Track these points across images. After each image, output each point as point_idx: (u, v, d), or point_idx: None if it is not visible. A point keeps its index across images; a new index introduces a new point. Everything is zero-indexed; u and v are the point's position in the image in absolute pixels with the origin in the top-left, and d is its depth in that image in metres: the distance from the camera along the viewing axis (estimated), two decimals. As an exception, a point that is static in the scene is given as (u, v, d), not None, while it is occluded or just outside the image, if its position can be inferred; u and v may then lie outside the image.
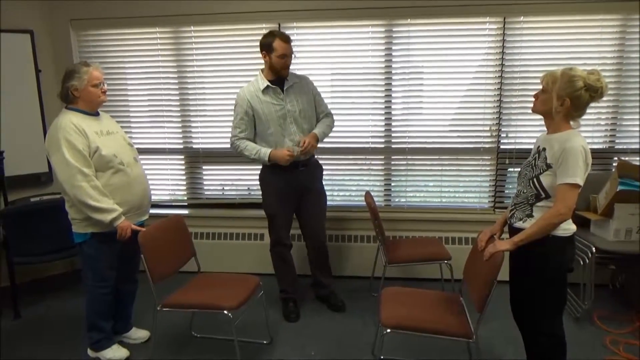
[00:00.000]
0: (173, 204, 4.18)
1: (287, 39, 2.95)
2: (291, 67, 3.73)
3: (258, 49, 3.74)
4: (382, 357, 2.71)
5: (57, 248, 3.57)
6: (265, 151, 3.01)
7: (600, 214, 3.17)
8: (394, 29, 3.67)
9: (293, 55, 3.02)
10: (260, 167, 3.21)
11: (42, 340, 3.02)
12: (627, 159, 3.47)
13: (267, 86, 3.00)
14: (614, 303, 3.39)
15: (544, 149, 2.09)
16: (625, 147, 3.66)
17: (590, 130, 3.63)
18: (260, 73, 3.07)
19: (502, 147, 3.75)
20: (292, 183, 3.11)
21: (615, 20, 3.48)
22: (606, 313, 3.20)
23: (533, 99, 2.17)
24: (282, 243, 3.23)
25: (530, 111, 3.55)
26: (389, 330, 2.23)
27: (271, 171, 3.10)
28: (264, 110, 3.01)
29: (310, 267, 3.43)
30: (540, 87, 2.12)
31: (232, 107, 3.84)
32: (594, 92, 1.97)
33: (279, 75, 3.01)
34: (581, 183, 1.98)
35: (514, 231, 2.21)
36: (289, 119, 3.05)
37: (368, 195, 3.31)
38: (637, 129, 3.61)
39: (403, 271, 3.72)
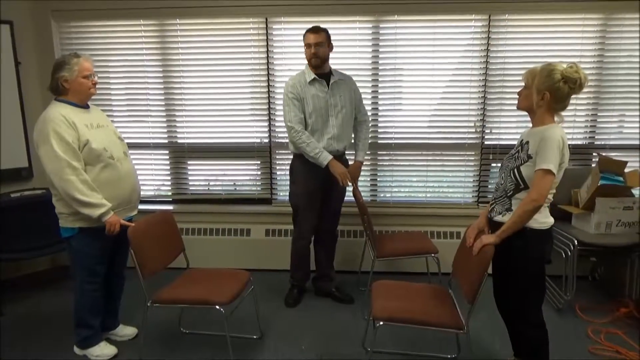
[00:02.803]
0: (158, 199, 4.13)
1: (313, 30, 3.05)
2: (282, 62, 3.78)
3: (244, 44, 3.79)
4: (374, 349, 2.74)
5: (39, 244, 3.51)
6: (326, 156, 3.05)
7: (581, 207, 3.26)
8: (381, 25, 3.70)
9: (328, 48, 3.10)
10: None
11: (26, 338, 2.95)
12: (606, 154, 3.57)
13: (314, 78, 3.08)
14: (593, 294, 3.49)
15: (527, 142, 2.14)
16: (603, 143, 3.76)
17: (570, 127, 3.72)
18: (306, 67, 3.15)
19: (486, 142, 3.81)
20: (321, 178, 3.14)
21: (595, 20, 3.57)
22: (587, 304, 3.29)
23: (517, 96, 2.22)
24: (304, 237, 3.30)
25: (514, 107, 3.65)
26: (381, 323, 2.26)
27: (303, 163, 3.14)
28: (309, 100, 3.08)
29: (316, 261, 3.45)
30: (523, 84, 2.18)
31: (218, 102, 3.89)
32: (573, 83, 2.03)
33: (311, 66, 3.09)
34: (554, 170, 2.02)
35: (493, 225, 2.27)
36: (330, 113, 3.12)
37: (356, 190, 3.32)
38: (615, 125, 3.73)
39: (389, 265, 3.76)
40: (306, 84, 3.08)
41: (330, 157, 3.06)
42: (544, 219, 2.14)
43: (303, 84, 3.08)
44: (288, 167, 3.33)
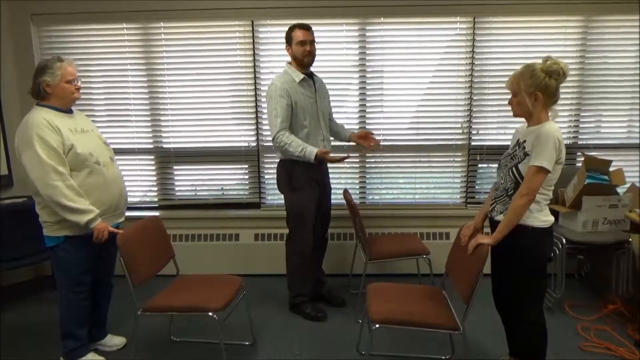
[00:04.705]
0: (144, 205, 4.05)
1: (305, 27, 2.94)
2: (269, 65, 3.74)
3: (230, 47, 3.75)
4: (371, 352, 2.72)
5: (21, 254, 3.41)
6: (311, 150, 2.88)
7: (568, 206, 3.31)
8: (367, 28, 3.70)
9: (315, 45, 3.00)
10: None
11: (11, 350, 2.85)
12: (591, 154, 3.63)
13: (303, 78, 2.97)
14: (581, 291, 3.54)
15: (524, 141, 2.16)
16: (587, 142, 3.82)
17: (555, 127, 3.78)
18: (290, 66, 3.01)
19: (473, 143, 3.84)
20: (317, 178, 3.07)
21: (577, 22, 3.64)
22: (575, 301, 3.33)
23: (508, 103, 2.24)
24: (309, 245, 3.10)
25: (499, 108, 3.70)
26: (378, 326, 2.24)
27: (305, 167, 2.97)
28: (301, 102, 2.95)
29: None
30: (509, 94, 2.20)
31: (204, 106, 3.84)
32: (557, 75, 2.07)
33: (303, 64, 2.97)
34: (547, 167, 2.05)
35: (494, 224, 2.28)
36: (319, 114, 3.04)
37: (346, 192, 3.31)
38: (598, 125, 3.80)
39: (380, 267, 3.74)
40: (295, 85, 2.94)
41: (315, 148, 2.89)
42: (545, 217, 2.16)
43: (291, 85, 2.92)
44: (276, 171, 3.21)
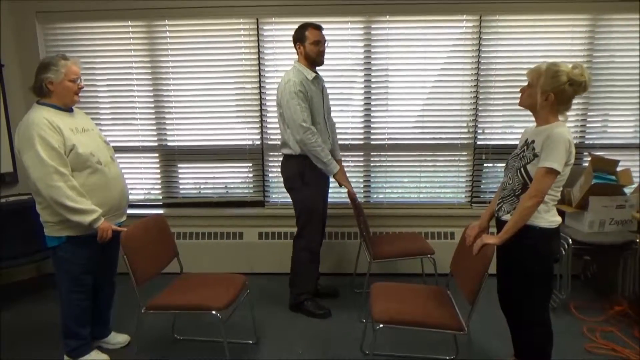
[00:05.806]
0: (148, 203, 4.05)
1: (319, 27, 2.95)
2: (274, 63, 3.73)
3: (235, 45, 3.74)
4: (374, 352, 2.71)
5: (24, 252, 3.42)
6: (335, 165, 2.98)
7: (575, 206, 3.28)
8: (372, 26, 3.68)
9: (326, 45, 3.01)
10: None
11: (13, 348, 2.86)
12: (598, 154, 3.60)
13: (315, 76, 2.97)
14: (586, 292, 3.51)
15: (533, 141, 2.14)
16: (593, 142, 3.79)
17: (561, 126, 3.74)
18: (300, 65, 2.99)
19: (478, 142, 3.82)
20: (326, 179, 3.12)
21: (585, 20, 3.60)
22: (581, 302, 3.30)
23: (518, 94, 2.21)
24: (319, 241, 3.15)
25: (506, 107, 3.68)
26: (381, 326, 2.23)
27: (314, 166, 2.99)
28: (314, 98, 2.96)
29: None
30: (527, 81, 2.16)
31: (209, 104, 3.84)
32: (578, 86, 2.03)
33: (315, 64, 2.99)
34: (558, 169, 2.02)
35: (501, 224, 2.26)
36: (324, 112, 3.04)
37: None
38: (605, 124, 3.77)
39: (384, 267, 3.72)
40: (309, 82, 2.95)
41: (337, 166, 3.00)
42: (552, 218, 2.14)
43: (307, 82, 2.93)
44: (282, 168, 3.18)
